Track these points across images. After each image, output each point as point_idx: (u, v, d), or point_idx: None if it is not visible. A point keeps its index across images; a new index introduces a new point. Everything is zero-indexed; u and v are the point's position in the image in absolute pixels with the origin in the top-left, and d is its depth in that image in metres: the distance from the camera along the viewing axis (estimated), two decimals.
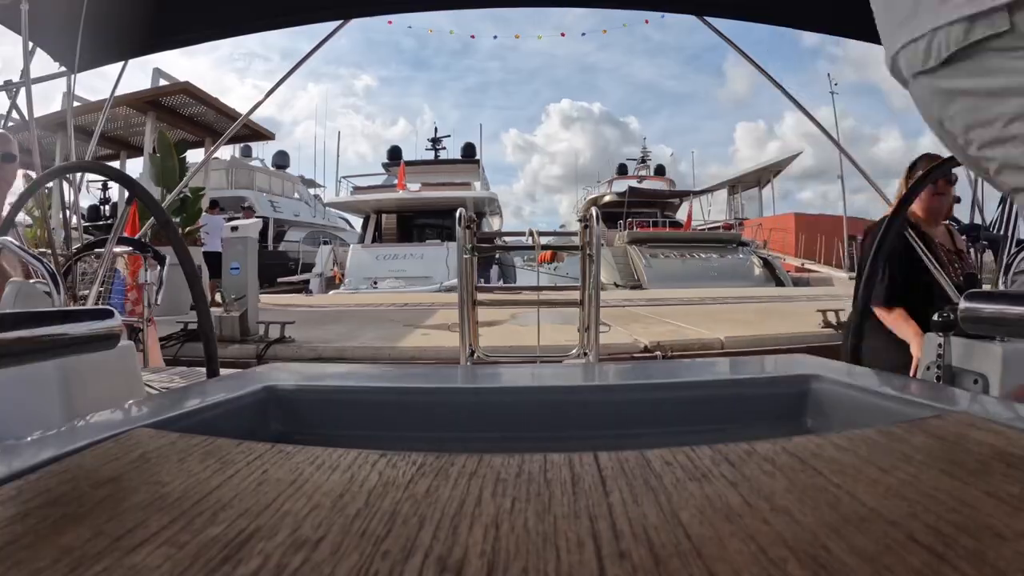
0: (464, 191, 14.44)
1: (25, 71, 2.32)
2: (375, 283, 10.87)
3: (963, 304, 0.66)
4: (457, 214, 1.59)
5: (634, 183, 23.04)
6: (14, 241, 1.01)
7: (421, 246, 12.11)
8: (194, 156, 7.21)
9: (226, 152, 18.20)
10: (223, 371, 1.09)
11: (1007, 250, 2.31)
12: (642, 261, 12.35)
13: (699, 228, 19.89)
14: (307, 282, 12.14)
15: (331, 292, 10.57)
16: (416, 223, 14.26)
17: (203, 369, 1.09)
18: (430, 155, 22.71)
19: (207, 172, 9.17)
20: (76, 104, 2.68)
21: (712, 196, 24.17)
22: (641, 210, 18.70)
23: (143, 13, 2.36)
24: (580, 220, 1.70)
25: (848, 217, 16.54)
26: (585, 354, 1.63)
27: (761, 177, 22.37)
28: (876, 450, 0.36)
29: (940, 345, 0.96)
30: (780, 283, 11.91)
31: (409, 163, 17.54)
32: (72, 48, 2.30)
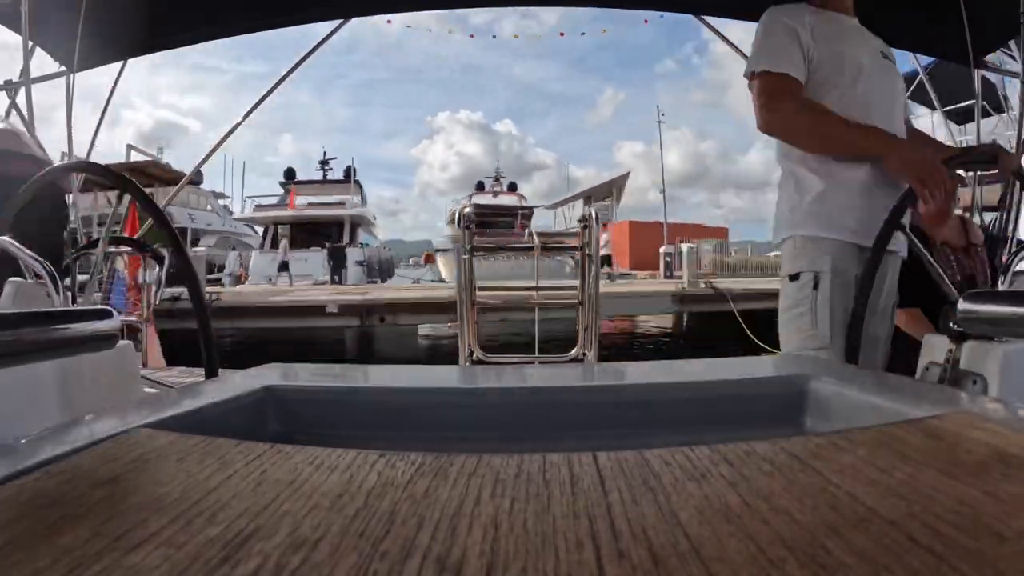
0: (342, 209, 19.83)
1: (25, 71, 2.33)
2: (271, 280, 15.72)
3: (962, 304, 0.66)
4: (458, 214, 1.60)
5: (489, 199, 27.36)
6: (14, 242, 1.01)
7: (306, 251, 17.04)
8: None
9: None
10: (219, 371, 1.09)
11: (1007, 250, 2.31)
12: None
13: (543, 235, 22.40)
14: (219, 280, 16.09)
15: (238, 287, 14.74)
16: (303, 233, 18.78)
17: (202, 369, 1.09)
18: (319, 175, 27.74)
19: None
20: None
21: (573, 206, 27.92)
22: (501, 219, 21.03)
23: (142, 13, 2.36)
24: (580, 221, 1.71)
25: (669, 223, 20.76)
26: (584, 354, 1.63)
27: (610, 189, 26.38)
28: (875, 450, 0.35)
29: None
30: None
31: (299, 183, 23.63)
32: (72, 48, 2.30)
